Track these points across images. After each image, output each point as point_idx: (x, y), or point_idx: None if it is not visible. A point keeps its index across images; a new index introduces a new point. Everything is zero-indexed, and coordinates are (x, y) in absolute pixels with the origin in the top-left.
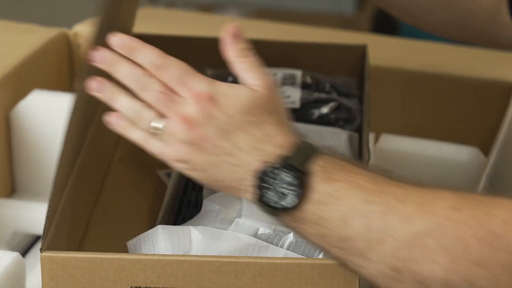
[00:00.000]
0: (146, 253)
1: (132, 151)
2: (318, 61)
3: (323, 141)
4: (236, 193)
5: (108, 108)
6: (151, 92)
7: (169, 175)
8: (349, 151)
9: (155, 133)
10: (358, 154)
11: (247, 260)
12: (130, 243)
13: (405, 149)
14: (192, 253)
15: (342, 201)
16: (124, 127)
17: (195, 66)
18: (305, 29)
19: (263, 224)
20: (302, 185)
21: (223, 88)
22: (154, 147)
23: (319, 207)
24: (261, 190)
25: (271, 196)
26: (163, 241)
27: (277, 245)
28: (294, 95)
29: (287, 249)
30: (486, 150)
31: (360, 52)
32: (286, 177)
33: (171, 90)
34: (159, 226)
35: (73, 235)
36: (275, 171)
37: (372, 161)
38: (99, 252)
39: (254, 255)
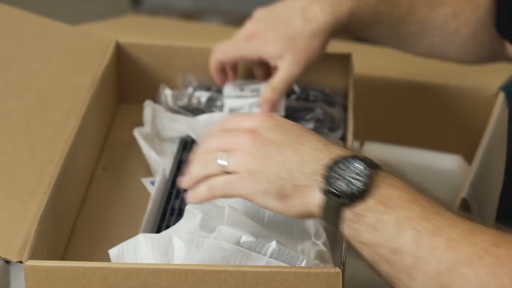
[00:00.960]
0: (128, 261)
1: (116, 159)
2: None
3: None
4: (294, 194)
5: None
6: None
7: (153, 183)
8: None
9: (223, 171)
10: None
11: (230, 268)
12: (112, 252)
13: (389, 157)
14: (174, 262)
15: (401, 208)
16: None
17: (178, 74)
18: None
19: (246, 233)
20: (370, 176)
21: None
22: (224, 181)
23: (379, 208)
24: (330, 180)
25: (339, 184)
26: (145, 250)
27: (259, 254)
28: (279, 103)
29: (270, 257)
30: (469, 158)
31: (345, 60)
32: (359, 166)
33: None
34: (141, 234)
35: (56, 243)
36: (349, 160)
37: None
38: (82, 261)
39: (236, 263)
